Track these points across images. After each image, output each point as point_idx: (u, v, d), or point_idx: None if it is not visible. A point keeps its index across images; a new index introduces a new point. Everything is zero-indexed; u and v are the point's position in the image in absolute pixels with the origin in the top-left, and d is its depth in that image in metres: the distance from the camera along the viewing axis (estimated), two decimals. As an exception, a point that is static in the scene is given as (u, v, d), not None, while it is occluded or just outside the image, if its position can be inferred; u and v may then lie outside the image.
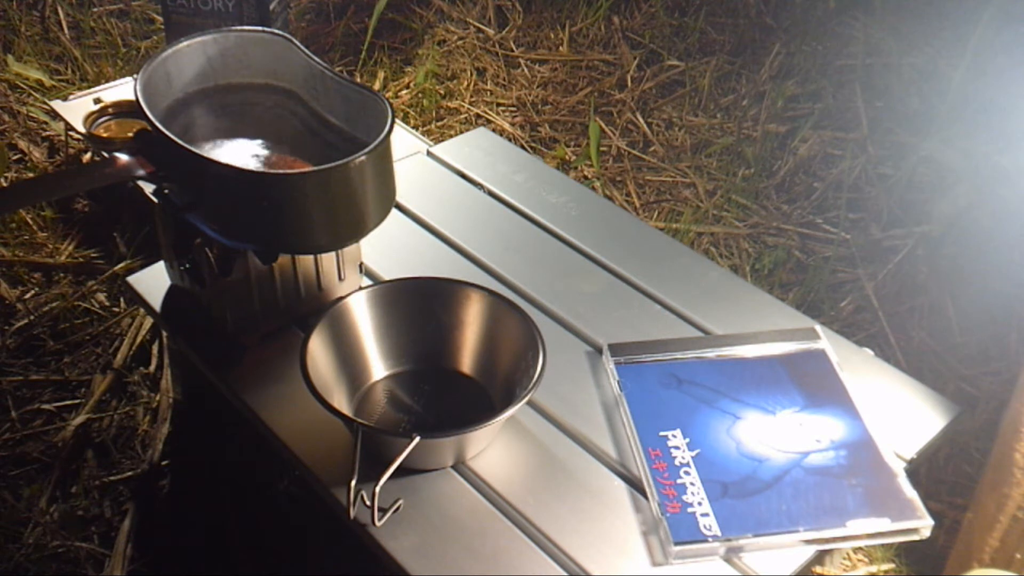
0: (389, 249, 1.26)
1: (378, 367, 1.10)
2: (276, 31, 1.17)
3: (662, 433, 1.02)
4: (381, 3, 2.09)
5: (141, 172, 1.02)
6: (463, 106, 2.03)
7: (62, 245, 1.69)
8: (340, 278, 1.17)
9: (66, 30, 2.18)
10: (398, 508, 0.93)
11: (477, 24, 2.23)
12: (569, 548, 0.93)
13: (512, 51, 2.17)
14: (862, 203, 1.74)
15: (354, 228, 1.07)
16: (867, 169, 1.78)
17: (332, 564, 1.19)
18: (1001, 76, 1.77)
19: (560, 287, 1.23)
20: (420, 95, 2.04)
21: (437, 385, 1.09)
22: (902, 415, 1.08)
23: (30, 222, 1.72)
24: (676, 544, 0.91)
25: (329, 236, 1.07)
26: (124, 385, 1.45)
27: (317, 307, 1.13)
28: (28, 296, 1.59)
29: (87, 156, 1.82)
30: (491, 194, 1.40)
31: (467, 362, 1.10)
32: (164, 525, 1.27)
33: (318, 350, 1.03)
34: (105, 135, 1.62)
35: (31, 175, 1.84)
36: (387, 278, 1.19)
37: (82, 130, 1.62)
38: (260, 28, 1.17)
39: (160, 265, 1.22)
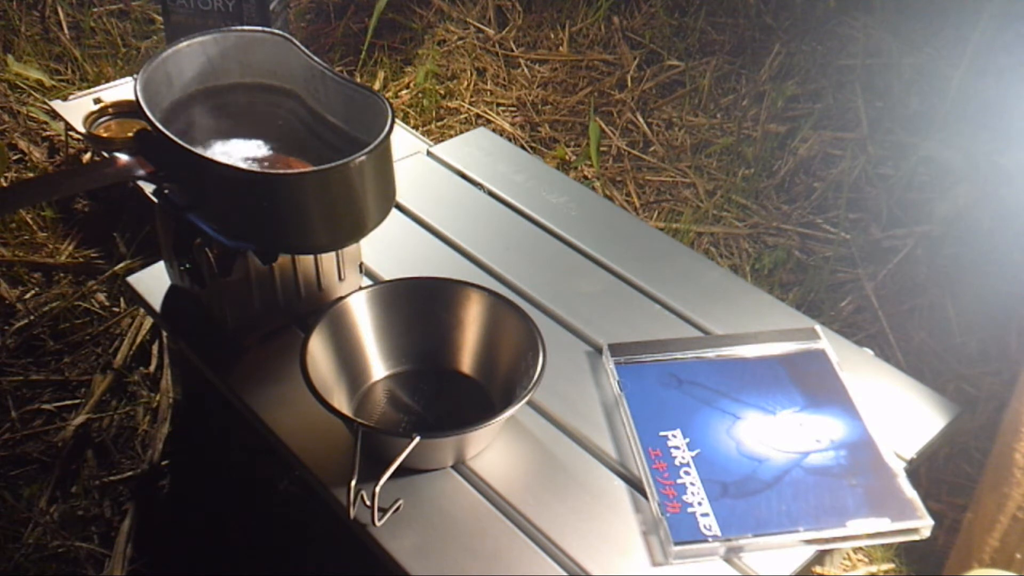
0: (389, 249, 1.26)
1: (378, 367, 1.10)
2: (276, 31, 1.17)
3: (662, 433, 1.02)
4: (381, 3, 2.09)
5: (141, 172, 1.03)
6: (463, 106, 2.03)
7: (62, 245, 1.69)
8: (340, 278, 1.17)
9: (66, 30, 2.18)
10: (398, 508, 0.93)
11: (477, 24, 2.23)
12: (569, 548, 0.93)
13: (512, 51, 2.17)
14: (862, 203, 1.74)
15: (354, 228, 1.07)
16: (867, 169, 1.78)
17: (332, 564, 1.19)
18: (1001, 76, 1.77)
19: (560, 287, 1.23)
20: (420, 95, 2.04)
21: (437, 385, 1.09)
22: (902, 415, 1.08)
23: (30, 222, 1.72)
24: (676, 544, 0.91)
25: (329, 236, 1.07)
26: (124, 385, 1.45)
27: (317, 307, 1.14)
28: (28, 296, 1.59)
29: (87, 156, 1.82)
30: (491, 194, 1.40)
31: (467, 362, 1.10)
32: (164, 525, 1.27)
33: (318, 350, 1.03)
34: (105, 135, 1.62)
35: (31, 175, 1.84)
36: (387, 278, 1.19)
37: (82, 130, 1.62)
38: (260, 28, 1.17)
39: (160, 265, 1.22)
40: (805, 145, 1.85)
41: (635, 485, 0.99)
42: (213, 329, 1.14)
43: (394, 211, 1.14)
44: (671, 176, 1.87)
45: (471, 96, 2.06)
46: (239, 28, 1.18)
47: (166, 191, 1.07)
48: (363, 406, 1.07)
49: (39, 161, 1.86)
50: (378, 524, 0.92)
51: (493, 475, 1.00)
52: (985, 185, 1.62)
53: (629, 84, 2.05)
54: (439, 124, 2.00)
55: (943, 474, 1.33)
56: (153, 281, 1.23)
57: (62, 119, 1.71)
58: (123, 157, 1.03)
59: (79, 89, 1.92)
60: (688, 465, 0.99)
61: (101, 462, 1.35)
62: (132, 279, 1.25)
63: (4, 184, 1.80)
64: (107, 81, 1.91)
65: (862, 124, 1.86)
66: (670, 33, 2.15)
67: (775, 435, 1.03)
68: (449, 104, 2.04)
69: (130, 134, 1.59)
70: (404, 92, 2.06)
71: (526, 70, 2.12)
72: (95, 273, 1.64)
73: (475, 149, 1.50)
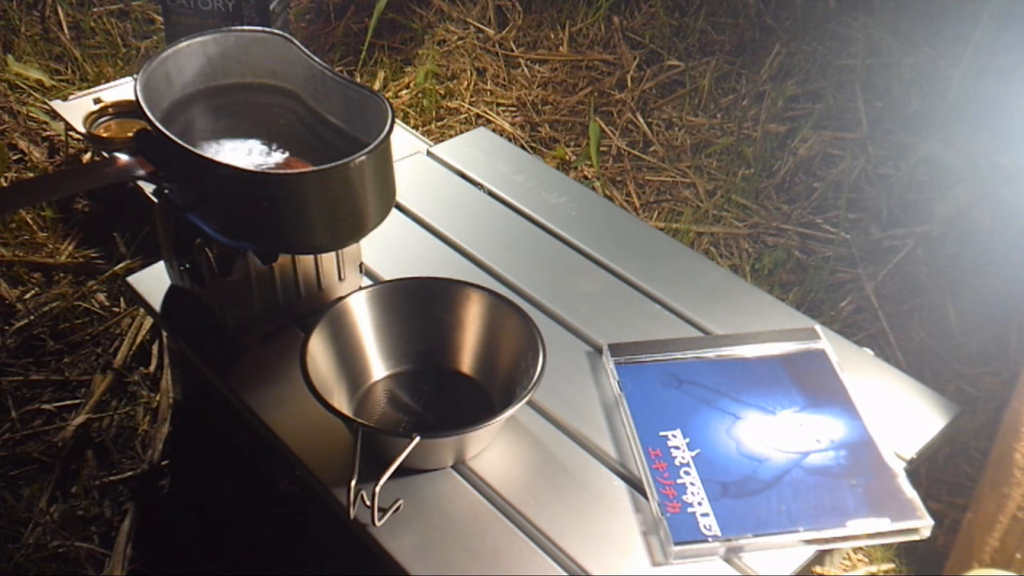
0: (389, 249, 1.26)
1: (378, 367, 1.10)
2: (276, 31, 1.17)
3: (662, 433, 1.02)
4: (381, 3, 2.09)
5: (141, 172, 1.03)
6: (463, 106, 2.03)
7: (62, 245, 1.69)
8: (340, 278, 1.17)
9: (66, 30, 2.18)
10: (398, 508, 0.93)
11: (477, 24, 2.23)
12: (569, 548, 0.93)
13: (512, 51, 2.17)
14: (862, 203, 1.74)
15: (354, 228, 1.07)
16: (867, 169, 1.78)
17: (332, 564, 1.19)
18: (1001, 76, 1.77)
19: (560, 287, 1.23)
20: (420, 95, 2.04)
21: (437, 385, 1.09)
22: (902, 415, 1.08)
23: (30, 222, 1.72)
24: (676, 544, 0.91)
25: (329, 236, 1.07)
26: (124, 385, 1.45)
27: (317, 307, 1.14)
28: (28, 296, 1.59)
29: (87, 156, 1.82)
30: (491, 194, 1.40)
31: (467, 362, 1.10)
32: (164, 525, 1.27)
33: (318, 350, 1.03)
34: (105, 135, 1.62)
35: (31, 175, 1.84)
36: (387, 278, 1.19)
37: (82, 130, 1.62)
38: (260, 28, 1.17)
39: (160, 265, 1.22)
40: (805, 145, 1.85)
41: (635, 485, 0.99)
42: (213, 329, 1.14)
43: (394, 211, 1.14)
44: (671, 176, 1.87)
45: (471, 96, 2.06)
46: (239, 28, 1.18)
47: (166, 191, 1.07)
48: (363, 406, 1.07)
49: (39, 161, 1.86)
50: (378, 524, 0.92)
51: (493, 475, 1.00)
52: (985, 185, 1.62)
53: (629, 84, 2.05)
54: (439, 124, 2.00)
55: (943, 474, 1.33)
56: (153, 281, 1.23)
57: (62, 119, 1.71)
58: (123, 157, 1.02)
59: (79, 89, 1.92)
60: (688, 465, 0.99)
61: (101, 462, 1.35)
62: (132, 279, 1.25)
63: (4, 184, 1.80)
64: (107, 81, 1.91)
65: (862, 124, 1.86)
66: (670, 33, 2.15)
67: (775, 435, 1.03)
68: (449, 104, 2.04)
69: (130, 134, 1.59)
70: (404, 92, 2.06)
71: (526, 70, 2.12)
72: (95, 273, 1.64)
73: (475, 149, 1.50)
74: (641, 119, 1.98)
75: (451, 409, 1.07)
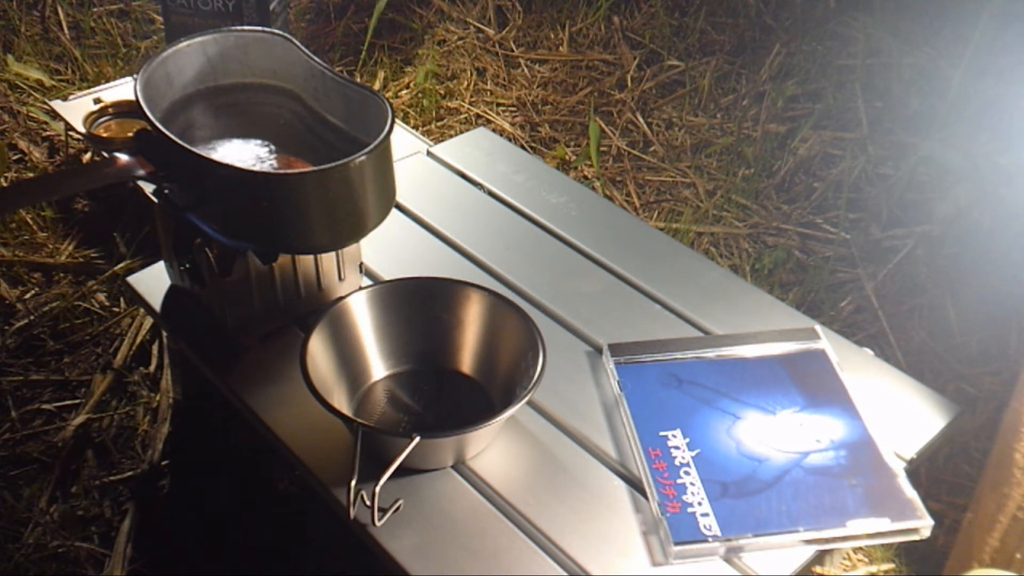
0: (389, 249, 1.26)
1: (378, 367, 1.10)
2: (276, 31, 1.17)
3: (662, 433, 1.02)
4: (381, 3, 2.09)
5: (141, 172, 1.03)
6: (463, 106, 2.03)
7: (62, 245, 1.69)
8: (340, 278, 1.17)
9: (66, 30, 2.18)
10: (398, 508, 0.93)
11: (477, 24, 2.23)
12: (569, 548, 0.93)
13: (512, 51, 2.17)
14: (862, 203, 1.74)
15: (354, 228, 1.07)
16: (867, 169, 1.78)
17: (332, 564, 1.19)
18: (1001, 76, 1.77)
19: (560, 287, 1.23)
20: (420, 95, 2.04)
21: (437, 385, 1.09)
22: (902, 415, 1.08)
23: (30, 222, 1.72)
24: (676, 544, 0.91)
25: (329, 236, 1.07)
26: (124, 385, 1.45)
27: (317, 307, 1.14)
28: (28, 296, 1.59)
29: (87, 156, 1.82)
30: (491, 194, 1.40)
31: (467, 362, 1.10)
32: (164, 525, 1.27)
33: (318, 350, 1.03)
34: (105, 135, 1.62)
35: (31, 175, 1.84)
36: (387, 278, 1.19)
37: (82, 130, 1.62)
38: (260, 28, 1.18)
39: (160, 265, 1.22)
40: (805, 145, 1.85)
41: (635, 485, 0.99)
42: (213, 329, 1.14)
43: (394, 211, 1.14)
44: (671, 176, 1.87)
45: (471, 96, 2.06)
46: (239, 28, 1.18)
47: (166, 191, 1.08)
48: (363, 406, 1.07)
49: (39, 161, 1.86)
50: (378, 524, 0.92)
51: (493, 475, 1.00)
52: (985, 185, 1.62)
53: (629, 84, 2.05)
54: (439, 124, 2.00)
55: (943, 474, 1.33)
56: (153, 281, 1.23)
57: (62, 119, 1.71)
58: (123, 157, 1.03)
59: (79, 89, 1.92)
60: (688, 465, 0.99)
61: (101, 462, 1.35)
62: (132, 279, 1.25)
63: (4, 184, 1.80)
64: (107, 81, 1.91)
65: (862, 124, 1.86)
66: (670, 33, 2.15)
67: (775, 435, 1.03)
68: (449, 104, 2.04)
69: (130, 134, 1.59)
70: (404, 92, 2.06)
71: (526, 70, 2.12)
72: (95, 273, 1.64)
73: (475, 149, 1.50)
74: (641, 119, 1.98)
75: (451, 409, 1.07)
